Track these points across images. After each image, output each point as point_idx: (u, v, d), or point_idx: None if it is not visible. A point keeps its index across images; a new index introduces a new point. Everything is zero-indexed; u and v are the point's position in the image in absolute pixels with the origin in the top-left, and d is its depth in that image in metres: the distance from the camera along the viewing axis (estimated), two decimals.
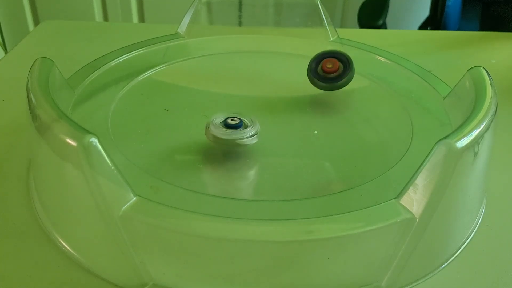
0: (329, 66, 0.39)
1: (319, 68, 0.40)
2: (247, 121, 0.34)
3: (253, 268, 0.26)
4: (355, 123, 0.40)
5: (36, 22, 1.26)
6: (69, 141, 0.25)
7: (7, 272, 0.28)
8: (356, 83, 0.45)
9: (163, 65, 0.45)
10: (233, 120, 0.34)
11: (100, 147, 0.25)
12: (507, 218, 0.33)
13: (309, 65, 0.40)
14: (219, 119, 0.34)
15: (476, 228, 0.32)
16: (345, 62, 0.40)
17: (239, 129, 0.33)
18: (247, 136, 0.33)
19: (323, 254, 0.25)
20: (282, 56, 0.48)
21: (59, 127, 0.26)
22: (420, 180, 0.25)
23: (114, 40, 0.56)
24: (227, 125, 0.33)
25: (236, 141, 0.33)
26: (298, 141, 0.37)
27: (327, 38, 0.48)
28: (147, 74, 0.43)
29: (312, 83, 0.41)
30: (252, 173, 0.34)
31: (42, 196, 0.31)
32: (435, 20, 1.10)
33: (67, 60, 0.42)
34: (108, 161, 0.25)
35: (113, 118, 0.37)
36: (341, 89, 0.41)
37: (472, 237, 0.31)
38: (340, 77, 0.40)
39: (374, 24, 1.08)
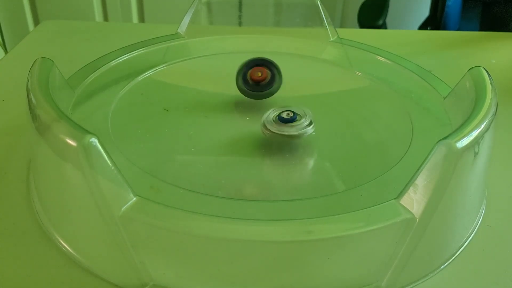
0: (259, 74, 0.39)
1: (248, 77, 0.39)
2: (299, 113, 0.35)
3: (253, 268, 0.26)
4: (355, 123, 0.40)
5: (36, 22, 1.26)
6: (69, 141, 0.25)
7: (7, 272, 0.28)
8: (356, 83, 0.45)
9: (163, 65, 0.45)
10: (288, 114, 0.35)
11: (100, 147, 0.25)
12: (507, 218, 0.33)
13: (238, 73, 0.40)
14: (273, 114, 0.35)
15: (476, 228, 0.32)
16: (273, 70, 0.39)
17: (295, 121, 0.34)
18: (305, 127, 0.34)
19: (323, 254, 0.25)
20: (282, 56, 0.48)
21: (59, 127, 0.26)
22: (420, 180, 0.25)
23: (114, 40, 0.56)
24: (282, 120, 0.34)
25: (295, 134, 0.34)
26: (297, 141, 0.37)
27: (327, 38, 0.48)
28: (147, 74, 0.43)
29: (241, 92, 0.40)
30: (252, 173, 0.34)
31: (42, 196, 0.31)
32: (435, 20, 1.10)
33: (67, 60, 0.42)
34: (108, 161, 0.25)
35: (113, 118, 0.37)
36: (341, 89, 0.41)
37: (472, 237, 0.31)
38: (269, 85, 0.39)
39: (374, 24, 1.08)
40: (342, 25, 1.44)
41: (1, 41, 1.22)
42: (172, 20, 0.62)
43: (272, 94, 0.40)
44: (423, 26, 1.16)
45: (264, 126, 0.35)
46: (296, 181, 0.33)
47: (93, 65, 0.41)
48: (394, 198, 0.26)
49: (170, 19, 1.26)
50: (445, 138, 0.25)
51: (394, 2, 1.20)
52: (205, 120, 0.39)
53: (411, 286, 0.28)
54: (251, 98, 0.40)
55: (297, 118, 0.35)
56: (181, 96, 0.43)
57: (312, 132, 0.35)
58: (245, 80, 0.39)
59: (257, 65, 0.39)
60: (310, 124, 0.35)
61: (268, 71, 0.39)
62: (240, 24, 0.51)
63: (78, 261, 0.28)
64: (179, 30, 0.47)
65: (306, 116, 0.35)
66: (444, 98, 0.38)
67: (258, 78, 0.39)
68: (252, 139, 0.36)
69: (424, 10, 1.22)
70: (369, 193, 0.30)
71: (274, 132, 0.34)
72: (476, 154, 0.27)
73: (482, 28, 1.08)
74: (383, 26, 1.09)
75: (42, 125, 0.28)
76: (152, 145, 0.36)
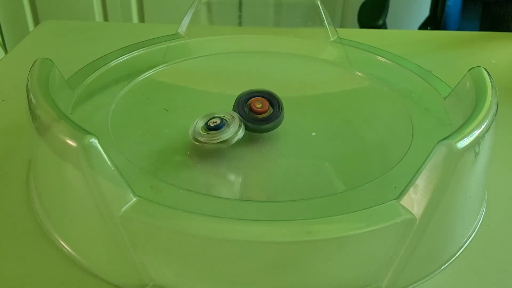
0: (258, 106, 0.35)
1: (246, 107, 0.36)
2: (227, 118, 0.34)
3: (253, 268, 0.26)
4: (355, 123, 0.40)
5: (36, 22, 1.26)
6: (69, 141, 0.25)
7: (7, 272, 0.28)
8: (356, 83, 0.45)
9: (163, 65, 0.45)
10: (214, 122, 0.33)
11: (100, 147, 0.25)
12: (507, 218, 0.33)
13: (236, 101, 0.36)
14: (200, 124, 0.34)
15: (476, 229, 0.32)
16: (275, 105, 0.36)
17: (222, 128, 0.33)
18: (233, 134, 0.33)
19: (323, 255, 0.25)
20: (282, 56, 0.48)
21: (59, 127, 0.26)
22: (420, 181, 0.25)
23: (114, 40, 0.56)
24: (209, 128, 0.33)
25: (223, 141, 0.33)
26: (297, 141, 0.37)
27: (327, 38, 0.48)
28: (147, 74, 0.43)
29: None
30: (253, 173, 0.34)
31: (42, 196, 0.31)
32: (435, 20, 1.10)
33: (67, 60, 0.42)
34: (108, 162, 0.25)
35: (113, 118, 0.37)
36: (341, 89, 0.41)
37: (472, 238, 0.31)
38: (268, 119, 0.35)
39: (374, 24, 1.08)
40: (342, 25, 1.44)
41: (1, 41, 1.22)
42: (172, 20, 0.62)
43: (269, 130, 0.36)
44: (423, 26, 1.15)
45: (195, 138, 0.33)
46: (296, 181, 0.33)
47: (93, 65, 0.41)
48: (395, 199, 0.26)
49: (170, 19, 1.26)
50: (445, 138, 0.25)
51: (394, 2, 1.20)
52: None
53: (411, 286, 0.28)
54: (247, 129, 0.35)
55: (225, 124, 0.33)
56: (181, 96, 0.43)
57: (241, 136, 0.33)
58: (243, 109, 0.35)
59: (259, 96, 0.36)
60: (240, 127, 0.33)
61: (270, 107, 0.36)
62: (240, 24, 0.51)
63: (78, 261, 0.28)
64: (179, 30, 0.47)
65: (234, 120, 0.33)
66: (445, 98, 0.38)
67: (258, 110, 0.35)
68: (252, 139, 0.36)
69: (424, 10, 1.22)
70: (370, 194, 0.30)
71: (205, 142, 0.33)
72: (476, 154, 0.27)
73: (482, 28, 1.07)
74: (383, 26, 1.09)
75: (42, 125, 0.28)
76: (152, 145, 0.36)
